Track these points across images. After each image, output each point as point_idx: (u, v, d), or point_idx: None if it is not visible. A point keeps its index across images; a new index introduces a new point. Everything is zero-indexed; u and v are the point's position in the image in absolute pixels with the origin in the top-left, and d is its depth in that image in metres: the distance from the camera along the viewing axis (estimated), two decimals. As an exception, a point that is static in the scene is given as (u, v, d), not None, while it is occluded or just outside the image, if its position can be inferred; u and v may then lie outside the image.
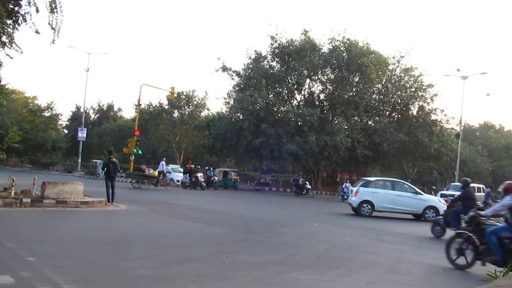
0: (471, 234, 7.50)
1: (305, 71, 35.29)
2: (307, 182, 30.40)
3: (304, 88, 37.66)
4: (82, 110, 48.60)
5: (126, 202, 15.08)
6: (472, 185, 17.67)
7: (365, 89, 35.32)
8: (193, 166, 30.95)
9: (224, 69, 37.37)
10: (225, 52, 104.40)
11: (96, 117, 66.18)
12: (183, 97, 43.26)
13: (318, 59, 34.62)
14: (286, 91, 37.13)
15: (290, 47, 35.46)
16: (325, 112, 35.63)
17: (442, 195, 27.39)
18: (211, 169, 31.94)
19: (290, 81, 36.20)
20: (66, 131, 60.46)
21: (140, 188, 24.16)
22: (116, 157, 15.86)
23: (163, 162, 27.09)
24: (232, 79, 38.02)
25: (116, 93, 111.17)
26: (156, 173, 25.61)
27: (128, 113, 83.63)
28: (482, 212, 7.78)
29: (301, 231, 11.27)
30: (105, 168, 14.76)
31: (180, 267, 6.19)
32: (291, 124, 32.98)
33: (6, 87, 29.46)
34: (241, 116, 35.35)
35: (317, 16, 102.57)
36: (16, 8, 10.60)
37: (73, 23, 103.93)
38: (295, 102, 37.75)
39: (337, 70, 35.29)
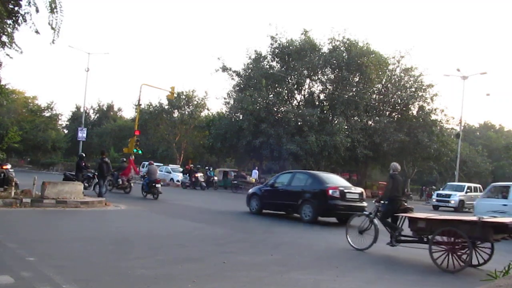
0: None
1: (305, 71, 35.31)
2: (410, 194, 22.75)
3: (304, 88, 37.69)
4: (82, 110, 48.61)
5: (126, 202, 15.10)
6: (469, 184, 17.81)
7: (365, 89, 35.33)
8: (192, 166, 31.01)
9: (224, 69, 37.40)
10: (225, 52, 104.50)
11: (96, 117, 66.15)
12: (183, 97, 43.30)
13: (318, 59, 34.64)
14: (286, 91, 37.14)
15: (290, 47, 35.48)
16: (325, 112, 35.65)
17: (439, 195, 27.41)
18: (211, 169, 31.96)
19: (290, 81, 36.21)
20: (66, 131, 60.41)
21: (242, 193, 25.08)
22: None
23: (256, 171, 29.62)
24: (232, 79, 38.08)
25: (116, 93, 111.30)
26: (253, 179, 28.40)
27: (128, 113, 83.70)
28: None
29: (301, 231, 11.27)
30: (99, 168, 15.36)
31: (180, 267, 6.19)
32: (291, 124, 32.98)
33: (6, 87, 29.44)
34: (241, 116, 35.37)
35: (317, 16, 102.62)
36: (16, 8, 10.61)
37: (73, 23, 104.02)
38: (295, 102, 37.77)
39: (337, 70, 35.30)
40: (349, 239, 8.92)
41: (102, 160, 15.37)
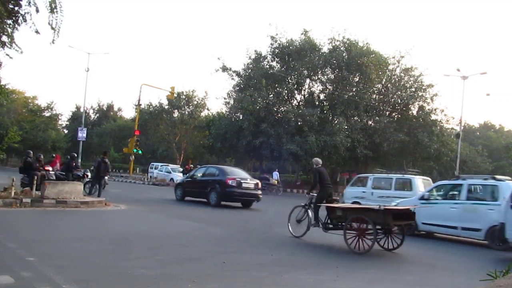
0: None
1: (305, 71, 35.31)
2: None
3: (304, 88, 37.68)
4: (82, 110, 48.62)
5: (126, 202, 15.11)
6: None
7: (365, 89, 35.32)
8: (192, 166, 31.01)
9: (224, 69, 37.40)
10: (225, 52, 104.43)
11: (96, 117, 66.19)
12: (183, 97, 43.34)
13: (318, 59, 34.64)
14: (286, 91, 37.14)
15: (290, 47, 35.48)
16: (325, 112, 35.64)
17: None
18: (211, 169, 31.90)
19: (290, 81, 36.21)
20: (66, 131, 60.43)
21: (266, 194, 26.05)
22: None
23: (277, 173, 30.98)
24: (232, 79, 38.09)
25: (116, 93, 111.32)
26: (275, 181, 29.94)
27: (128, 113, 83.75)
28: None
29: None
30: (96, 168, 15.60)
31: (180, 267, 6.19)
32: (291, 124, 32.98)
33: (6, 87, 29.42)
34: (241, 116, 35.38)
35: (317, 16, 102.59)
36: (16, 8, 10.59)
37: (73, 23, 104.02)
38: (295, 102, 37.77)
39: (337, 70, 35.30)
40: (289, 227, 10.03)
41: (102, 160, 15.54)
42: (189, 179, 17.66)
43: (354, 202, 14.74)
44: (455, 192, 11.48)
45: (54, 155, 25.20)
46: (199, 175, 17.40)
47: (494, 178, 11.01)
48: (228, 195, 15.72)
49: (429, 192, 12.05)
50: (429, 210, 11.33)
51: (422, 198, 11.88)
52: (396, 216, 8.34)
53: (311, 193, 9.90)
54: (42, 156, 15.74)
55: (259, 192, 16.55)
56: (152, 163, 38.80)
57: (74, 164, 16.47)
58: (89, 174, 16.92)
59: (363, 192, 16.35)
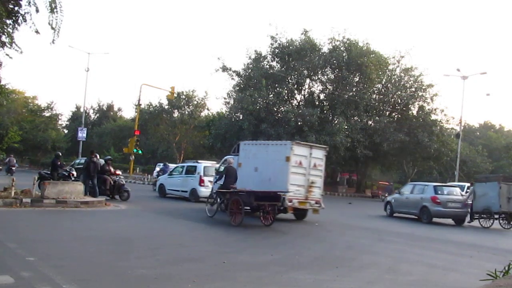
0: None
1: (305, 71, 35.31)
2: None
3: (304, 88, 37.69)
4: (82, 110, 48.56)
5: (126, 202, 15.10)
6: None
7: (365, 89, 35.33)
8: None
9: (224, 69, 37.39)
10: (225, 52, 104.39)
11: (96, 117, 66.05)
12: (183, 97, 43.30)
13: (318, 59, 34.64)
14: (286, 91, 37.14)
15: (290, 47, 35.49)
16: (325, 112, 35.64)
17: None
18: (211, 169, 31.88)
19: (290, 81, 36.21)
20: (66, 131, 60.33)
21: None
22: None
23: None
24: (232, 79, 38.08)
25: (116, 93, 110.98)
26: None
27: (128, 113, 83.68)
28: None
29: (301, 231, 11.28)
30: (86, 168, 15.37)
31: (180, 267, 6.19)
32: (291, 124, 32.98)
33: (6, 87, 29.39)
34: (241, 116, 35.37)
35: (317, 16, 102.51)
36: (16, 8, 10.59)
37: (73, 23, 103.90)
38: (295, 102, 37.76)
39: (337, 70, 35.32)
40: (206, 210, 12.48)
41: (90, 160, 15.39)
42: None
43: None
44: (181, 170, 18.84)
45: None
46: (80, 164, 22.15)
47: (197, 161, 18.69)
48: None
49: (173, 170, 19.85)
50: (169, 180, 18.97)
51: (169, 174, 19.70)
52: (259, 198, 10.83)
53: (218, 182, 12.65)
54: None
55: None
56: (158, 164, 38.84)
57: (60, 163, 16.40)
58: (74, 173, 16.76)
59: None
